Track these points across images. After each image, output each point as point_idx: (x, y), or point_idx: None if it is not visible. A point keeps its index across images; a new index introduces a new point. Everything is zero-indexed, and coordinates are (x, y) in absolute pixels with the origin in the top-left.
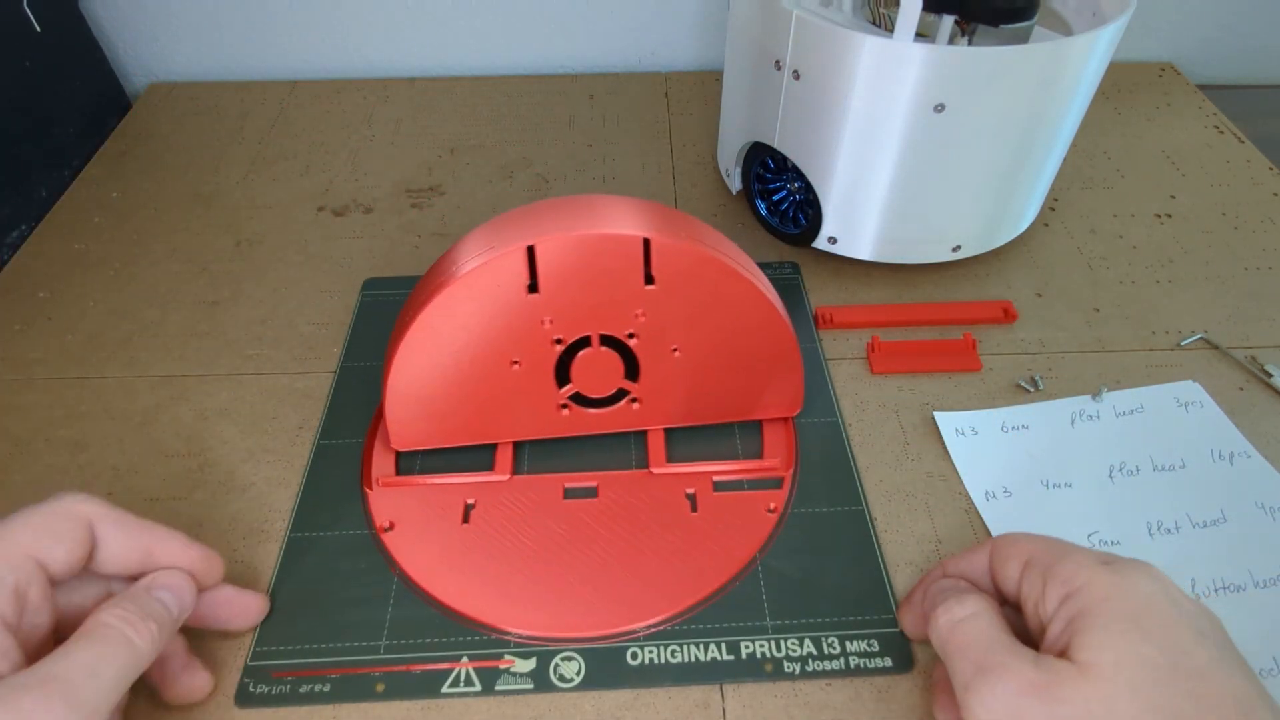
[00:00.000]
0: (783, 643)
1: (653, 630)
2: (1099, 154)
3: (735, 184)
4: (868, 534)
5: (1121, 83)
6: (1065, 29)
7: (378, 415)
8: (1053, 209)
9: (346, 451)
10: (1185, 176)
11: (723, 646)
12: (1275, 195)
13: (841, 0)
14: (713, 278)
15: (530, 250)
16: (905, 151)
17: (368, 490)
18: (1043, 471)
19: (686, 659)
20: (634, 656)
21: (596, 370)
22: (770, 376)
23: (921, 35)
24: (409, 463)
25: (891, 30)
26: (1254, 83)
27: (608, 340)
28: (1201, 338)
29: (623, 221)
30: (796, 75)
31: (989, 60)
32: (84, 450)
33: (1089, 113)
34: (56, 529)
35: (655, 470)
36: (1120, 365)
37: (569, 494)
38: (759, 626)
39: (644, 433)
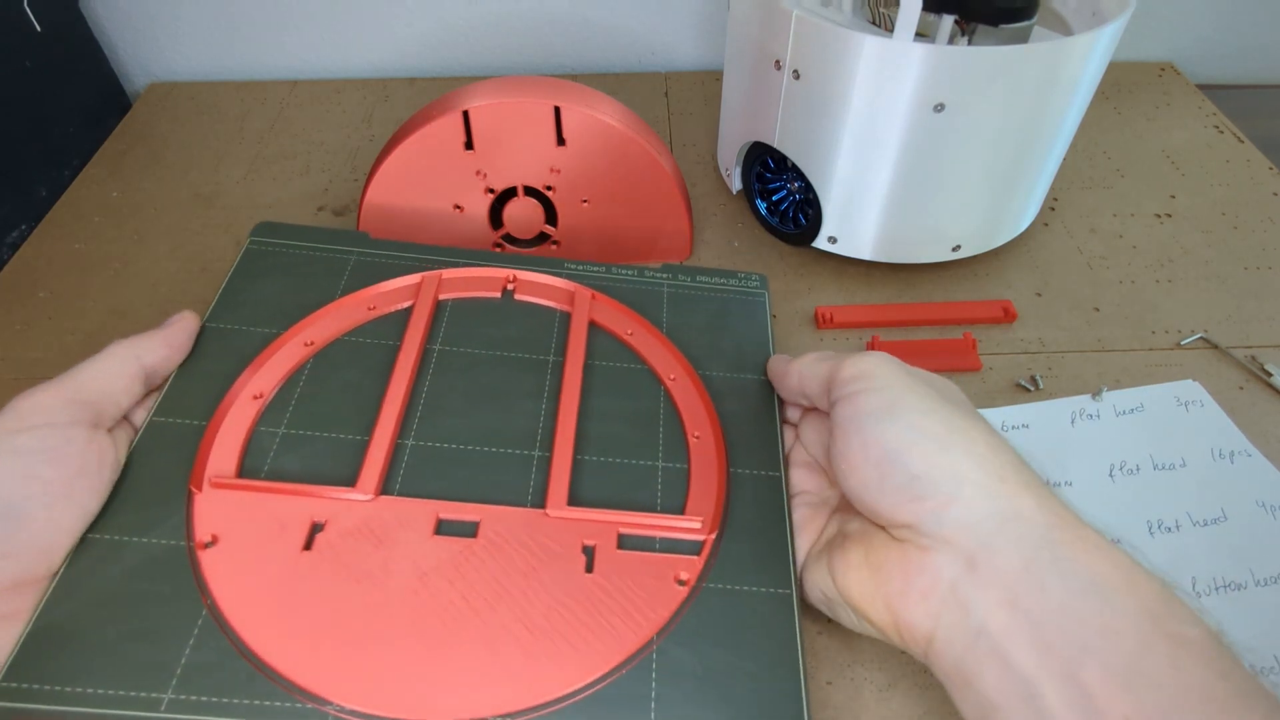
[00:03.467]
0: None
1: None
2: (1099, 154)
3: (735, 184)
4: (791, 627)
5: (1121, 83)
6: (1065, 29)
7: (229, 398)
8: (1053, 209)
9: (183, 436)
10: (1185, 176)
11: None
12: (1275, 195)
13: (841, 0)
14: (614, 142)
15: (465, 114)
16: (905, 151)
17: (195, 491)
18: (1043, 471)
19: None
20: None
21: (522, 216)
22: (662, 224)
23: (921, 35)
24: (256, 463)
25: (891, 30)
26: (1254, 83)
27: (531, 191)
28: (1201, 337)
29: (540, 93)
30: (796, 75)
31: (989, 60)
32: None
33: (1089, 113)
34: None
35: (551, 512)
36: (1120, 365)
37: (443, 528)
38: None
39: (548, 458)
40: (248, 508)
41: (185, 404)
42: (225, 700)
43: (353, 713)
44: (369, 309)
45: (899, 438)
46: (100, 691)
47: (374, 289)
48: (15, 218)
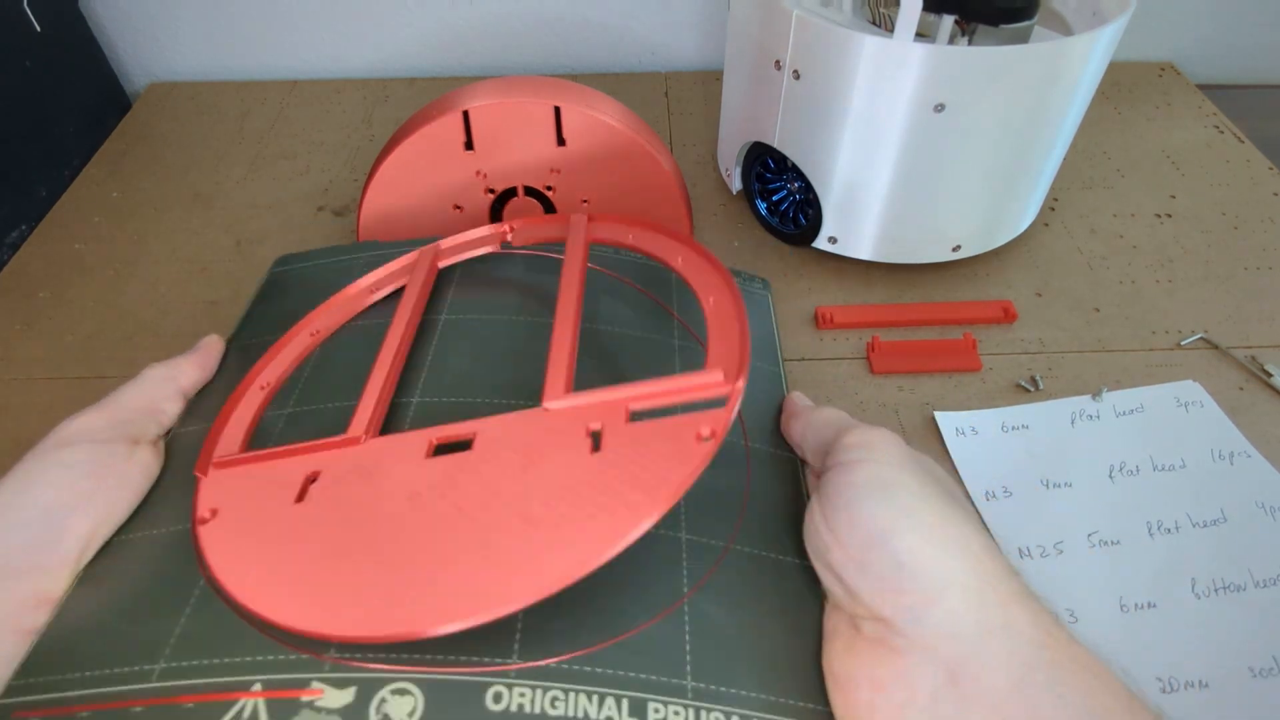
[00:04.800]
0: (704, 715)
1: (531, 666)
2: (1099, 154)
3: (735, 184)
4: (816, 597)
5: (1121, 83)
6: (1065, 29)
7: (238, 392)
8: (1053, 209)
9: (198, 439)
10: (1185, 176)
11: (624, 704)
12: (1275, 195)
13: (841, 0)
14: (614, 142)
15: (465, 114)
16: (905, 151)
17: (200, 477)
18: (1043, 471)
19: (571, 712)
20: (497, 699)
21: (522, 217)
22: (662, 224)
23: (921, 35)
24: (261, 444)
25: (891, 30)
26: (1254, 83)
27: (531, 191)
28: (1201, 338)
29: (540, 93)
30: (796, 75)
31: (989, 60)
32: None
33: (1089, 113)
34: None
35: (549, 404)
36: (1120, 365)
37: (438, 450)
38: (676, 686)
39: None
40: (247, 479)
41: (200, 412)
42: (217, 661)
43: (352, 646)
44: (372, 292)
45: (890, 519)
46: (98, 672)
47: (375, 273)
48: (15, 218)
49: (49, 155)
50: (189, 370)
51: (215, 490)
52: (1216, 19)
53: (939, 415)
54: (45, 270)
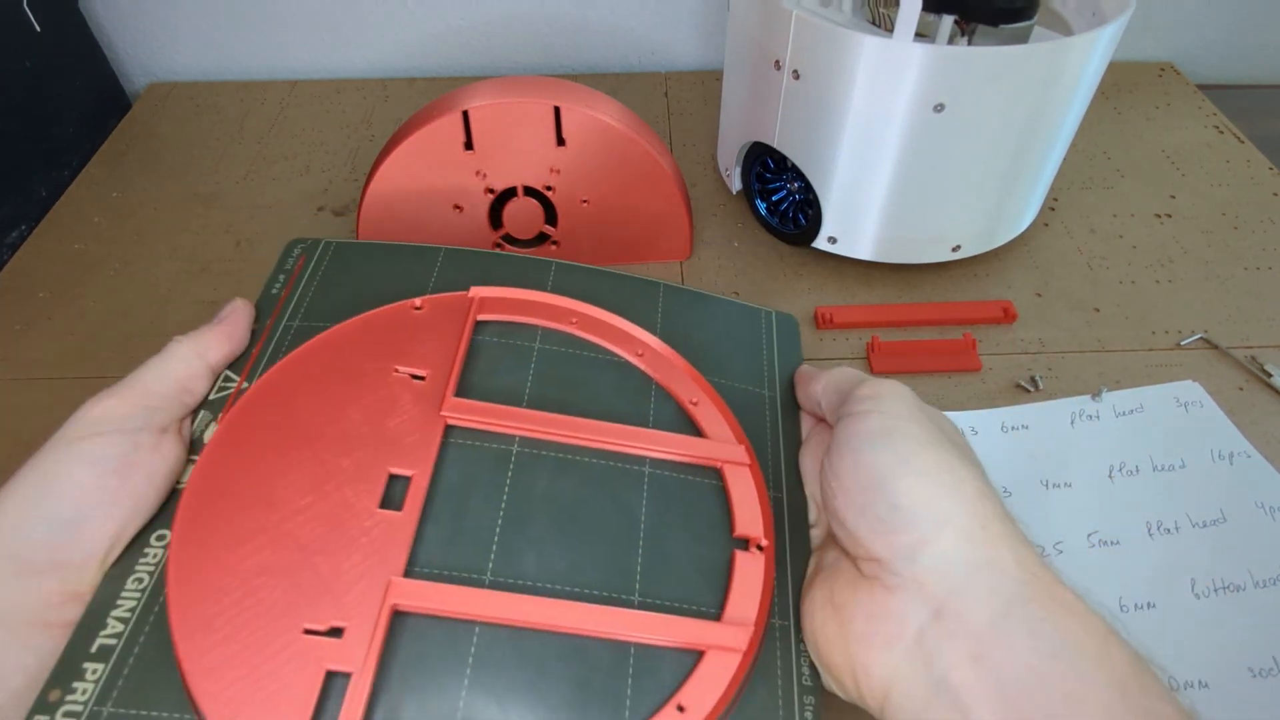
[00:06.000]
0: None
1: None
2: (1099, 154)
3: (735, 184)
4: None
5: (1121, 83)
6: (1065, 29)
7: None
8: (1053, 209)
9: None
10: (1185, 176)
11: None
12: (1275, 195)
13: (841, 0)
14: (614, 142)
15: (465, 114)
16: (905, 151)
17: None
18: (1043, 471)
19: None
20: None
21: (522, 216)
22: (662, 224)
23: (921, 35)
24: None
25: (891, 30)
26: (1254, 83)
27: (530, 191)
28: (1201, 338)
29: (540, 93)
30: (796, 75)
31: (989, 60)
32: None
33: (1089, 113)
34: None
35: None
36: (1120, 365)
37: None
38: None
39: None
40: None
41: None
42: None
43: None
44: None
45: (889, 464)
46: None
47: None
48: (15, 218)
49: (49, 155)
50: (219, 344)
51: None
52: (1216, 19)
53: None
54: (45, 270)
